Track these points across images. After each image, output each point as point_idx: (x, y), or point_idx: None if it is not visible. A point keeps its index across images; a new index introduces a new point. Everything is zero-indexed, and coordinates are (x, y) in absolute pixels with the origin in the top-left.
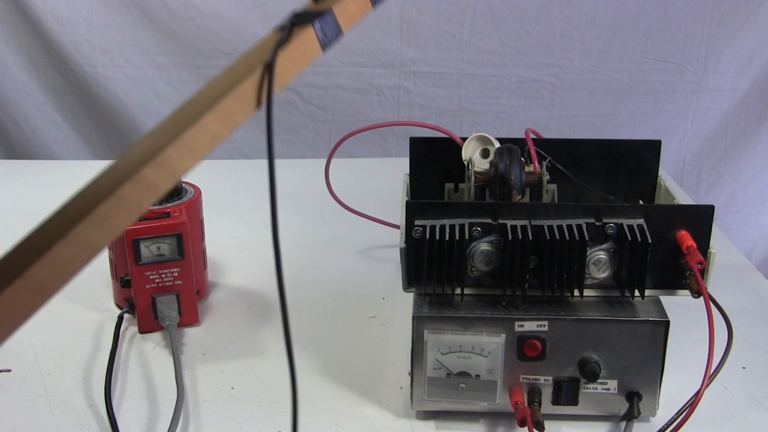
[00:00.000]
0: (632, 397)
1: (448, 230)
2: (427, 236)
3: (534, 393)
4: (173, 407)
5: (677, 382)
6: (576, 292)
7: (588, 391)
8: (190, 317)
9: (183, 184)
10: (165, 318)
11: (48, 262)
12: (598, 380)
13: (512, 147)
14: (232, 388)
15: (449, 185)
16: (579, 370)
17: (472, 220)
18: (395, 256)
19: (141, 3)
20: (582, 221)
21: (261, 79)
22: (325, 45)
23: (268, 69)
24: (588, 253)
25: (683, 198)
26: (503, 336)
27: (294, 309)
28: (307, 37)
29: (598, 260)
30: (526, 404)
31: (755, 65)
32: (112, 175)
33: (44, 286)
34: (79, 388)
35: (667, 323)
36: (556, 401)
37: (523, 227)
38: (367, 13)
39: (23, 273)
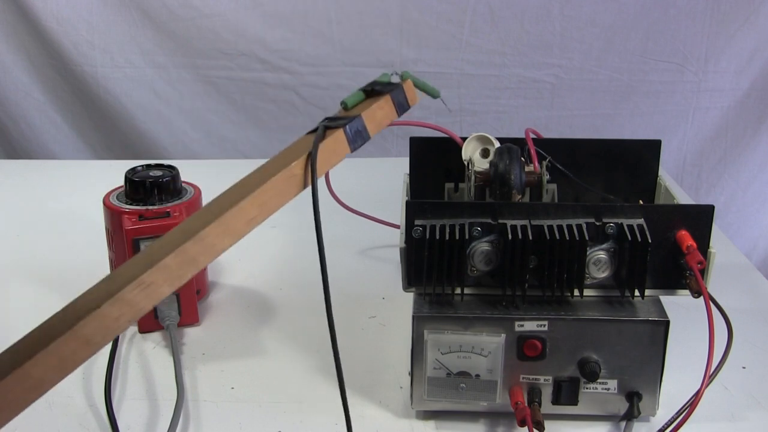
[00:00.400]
0: (632, 396)
1: (448, 230)
2: (427, 236)
3: (534, 393)
4: (173, 407)
5: (677, 381)
6: (576, 292)
7: (588, 391)
8: (190, 317)
9: (183, 184)
10: (165, 318)
11: (96, 318)
12: (598, 380)
13: (512, 147)
14: (232, 388)
15: (449, 185)
16: (579, 369)
17: (472, 220)
18: (395, 256)
19: (141, 3)
20: (582, 221)
21: (296, 171)
22: (354, 147)
23: (310, 158)
24: (588, 253)
25: (683, 198)
26: (503, 336)
27: (294, 309)
28: (338, 138)
29: (598, 260)
30: (526, 404)
31: (755, 65)
32: (157, 248)
33: (91, 339)
34: (79, 388)
35: (667, 323)
36: (556, 401)
37: (523, 227)
38: (392, 121)
39: (73, 327)
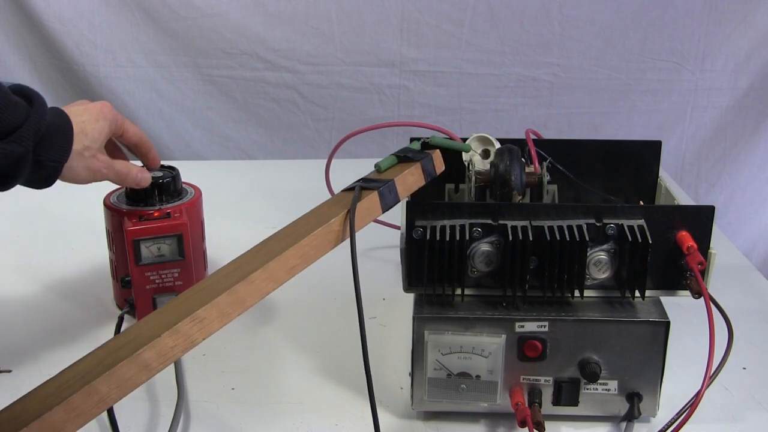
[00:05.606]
0: (633, 397)
1: (448, 231)
2: (428, 237)
3: (534, 393)
4: (173, 407)
5: (678, 382)
6: (576, 293)
7: (588, 391)
8: None
9: (183, 185)
10: None
11: (155, 346)
12: (599, 381)
13: (513, 147)
14: (233, 389)
15: (449, 185)
16: (579, 370)
17: (473, 221)
18: (395, 256)
19: (142, 2)
20: (582, 222)
21: (335, 227)
22: (385, 208)
23: (349, 214)
24: (588, 254)
25: (683, 198)
26: (504, 336)
27: (294, 309)
28: (373, 199)
29: (599, 261)
30: (526, 405)
31: (753, 64)
32: (210, 286)
33: (150, 364)
34: None
35: (668, 324)
36: (556, 402)
37: (524, 228)
38: (420, 186)
39: (135, 352)
